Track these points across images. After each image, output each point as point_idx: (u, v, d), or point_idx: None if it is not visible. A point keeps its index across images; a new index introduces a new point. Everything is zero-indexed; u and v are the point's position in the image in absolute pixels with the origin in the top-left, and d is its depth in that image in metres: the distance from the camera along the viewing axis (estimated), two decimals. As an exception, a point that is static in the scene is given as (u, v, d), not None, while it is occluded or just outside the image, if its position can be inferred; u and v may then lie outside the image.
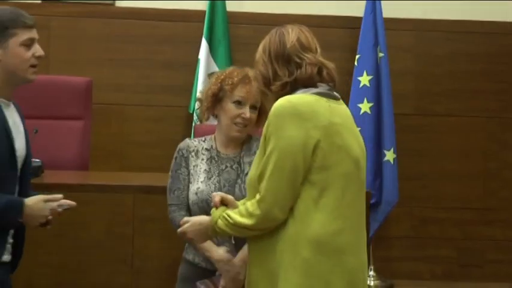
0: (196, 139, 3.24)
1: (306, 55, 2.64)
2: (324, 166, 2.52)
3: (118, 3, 5.15)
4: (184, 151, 3.17)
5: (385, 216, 4.97)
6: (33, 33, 2.81)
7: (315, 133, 2.50)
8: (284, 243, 2.53)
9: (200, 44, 5.04)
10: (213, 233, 2.70)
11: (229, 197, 2.71)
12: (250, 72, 3.11)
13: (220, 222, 2.62)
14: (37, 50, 2.81)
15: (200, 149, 3.18)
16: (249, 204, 2.56)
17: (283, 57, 2.64)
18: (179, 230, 2.85)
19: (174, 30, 5.13)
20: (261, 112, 3.14)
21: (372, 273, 5.00)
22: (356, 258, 2.60)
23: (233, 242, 3.06)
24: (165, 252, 3.59)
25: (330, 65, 2.68)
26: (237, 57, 4.91)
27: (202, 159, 3.15)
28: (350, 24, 5.17)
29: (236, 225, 2.58)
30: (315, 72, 2.63)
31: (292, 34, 2.67)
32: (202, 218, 2.79)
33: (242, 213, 2.58)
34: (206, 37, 5.05)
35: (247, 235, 2.65)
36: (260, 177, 2.55)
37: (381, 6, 5.04)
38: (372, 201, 4.84)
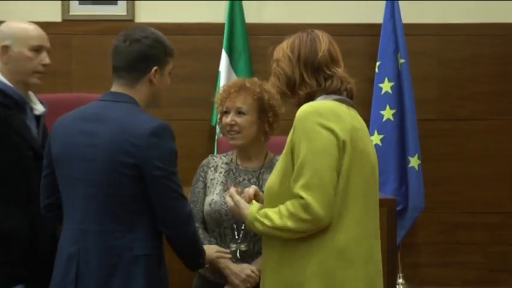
0: (219, 155, 3.29)
1: (337, 68, 2.64)
2: (348, 171, 2.50)
3: (138, 19, 5.17)
4: (204, 167, 3.26)
5: (412, 223, 4.95)
6: None
7: (341, 134, 2.49)
8: (304, 251, 2.51)
9: (220, 57, 5.06)
10: (249, 226, 2.66)
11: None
12: (238, 82, 3.22)
13: (257, 224, 2.57)
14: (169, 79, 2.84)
15: (220, 163, 3.23)
16: (290, 206, 2.48)
17: (313, 66, 2.62)
18: (227, 198, 2.80)
19: (194, 44, 5.14)
20: (274, 116, 3.17)
21: (400, 280, 4.97)
22: (374, 265, 2.60)
23: (238, 256, 3.10)
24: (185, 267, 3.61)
25: (352, 80, 2.68)
26: (258, 69, 4.90)
27: (220, 173, 3.20)
28: (370, 31, 5.16)
29: (277, 228, 2.51)
30: (343, 86, 2.63)
31: (323, 43, 2.65)
32: (245, 205, 2.69)
33: (283, 213, 2.50)
34: (226, 49, 5.06)
35: (284, 237, 2.54)
36: (295, 182, 2.48)
37: (400, 12, 5.03)
38: (398, 208, 4.81)
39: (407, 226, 4.93)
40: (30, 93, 3.22)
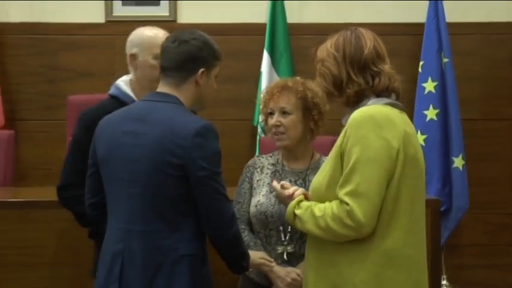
0: (264, 156, 3.28)
1: (384, 65, 2.58)
2: (399, 178, 2.46)
3: (180, 20, 5.20)
4: (251, 167, 3.24)
5: (455, 224, 4.91)
6: None
7: (395, 143, 2.45)
8: (353, 256, 2.48)
9: (262, 57, 5.06)
10: (289, 217, 2.64)
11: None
12: (280, 82, 3.21)
13: (298, 210, 2.58)
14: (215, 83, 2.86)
15: (266, 164, 3.22)
16: (335, 208, 2.46)
17: (360, 63, 2.57)
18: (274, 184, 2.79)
19: (235, 44, 5.15)
20: (319, 114, 3.14)
21: (444, 282, 4.93)
22: (421, 273, 2.56)
23: (285, 258, 3.09)
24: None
25: (398, 77, 2.62)
26: (299, 69, 4.89)
27: (267, 174, 3.18)
28: (413, 30, 5.12)
29: (326, 230, 2.48)
30: (391, 84, 2.58)
31: (368, 40, 2.59)
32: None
33: (326, 212, 2.47)
34: (268, 49, 5.06)
35: (322, 235, 2.51)
36: (341, 187, 2.46)
37: (443, 10, 4.99)
38: (442, 208, 4.78)
39: (451, 227, 4.89)
40: None
